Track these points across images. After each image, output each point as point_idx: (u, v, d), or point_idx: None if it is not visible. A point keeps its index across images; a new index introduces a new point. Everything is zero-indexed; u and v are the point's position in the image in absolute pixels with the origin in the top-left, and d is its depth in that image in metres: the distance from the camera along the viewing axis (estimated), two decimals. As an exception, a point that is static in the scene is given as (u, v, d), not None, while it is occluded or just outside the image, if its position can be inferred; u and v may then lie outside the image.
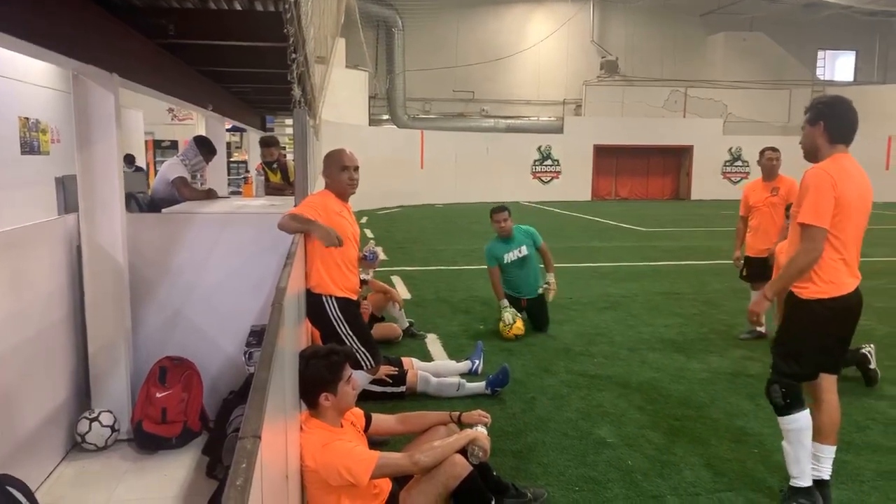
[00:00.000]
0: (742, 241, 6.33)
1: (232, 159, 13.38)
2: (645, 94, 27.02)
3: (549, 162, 25.57)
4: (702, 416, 4.34)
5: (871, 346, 5.00)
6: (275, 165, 7.52)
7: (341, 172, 3.79)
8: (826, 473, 3.22)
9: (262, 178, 7.11)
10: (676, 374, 5.19)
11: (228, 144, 12.39)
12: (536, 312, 6.36)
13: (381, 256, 6.09)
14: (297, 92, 3.84)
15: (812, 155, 3.16)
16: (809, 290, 3.06)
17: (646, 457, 3.72)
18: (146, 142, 15.22)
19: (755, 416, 4.32)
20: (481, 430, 2.87)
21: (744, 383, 4.96)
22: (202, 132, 7.10)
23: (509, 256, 6.30)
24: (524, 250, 6.31)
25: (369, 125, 23.02)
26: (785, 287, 3.14)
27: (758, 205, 6.12)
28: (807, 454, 3.13)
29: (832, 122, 3.08)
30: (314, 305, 3.65)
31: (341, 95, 18.32)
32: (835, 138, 3.08)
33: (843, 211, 3.00)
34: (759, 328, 6.06)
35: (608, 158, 26.20)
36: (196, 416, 3.79)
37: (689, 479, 3.48)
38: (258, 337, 1.50)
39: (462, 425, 2.98)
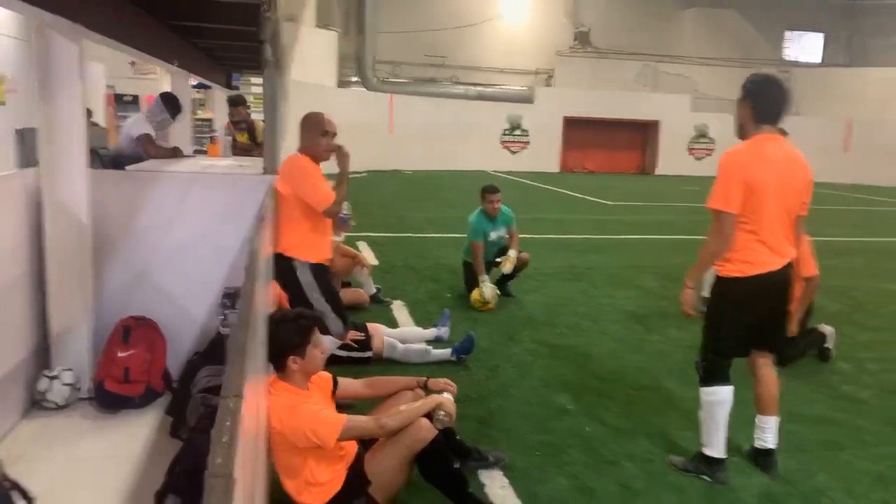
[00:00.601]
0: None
1: (196, 117, 13.08)
2: (616, 68, 27.08)
3: (518, 132, 25.55)
4: (659, 386, 4.47)
5: (831, 327, 5.17)
6: (242, 125, 7.39)
7: (321, 137, 3.77)
8: (770, 443, 3.35)
9: (230, 137, 6.99)
10: (636, 345, 5.32)
11: (193, 102, 12.09)
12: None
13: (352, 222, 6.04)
14: (268, 52, 3.77)
15: (740, 133, 3.20)
16: (726, 269, 3.16)
17: (604, 424, 3.83)
18: (106, 96, 14.77)
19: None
20: (447, 396, 2.92)
21: (700, 356, 5.10)
22: (166, 88, 6.91)
23: (494, 235, 6.39)
24: (504, 232, 6.44)
25: (338, 87, 22.65)
26: (700, 272, 3.30)
27: None
28: (717, 428, 3.24)
29: (758, 101, 3.11)
30: (285, 270, 3.64)
31: (310, 55, 17.95)
32: (760, 118, 3.11)
33: (756, 194, 3.03)
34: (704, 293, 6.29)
35: (577, 131, 26.27)
36: (159, 377, 3.76)
37: (644, 446, 3.60)
38: (231, 299, 1.50)
39: (428, 391, 3.02)
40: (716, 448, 3.25)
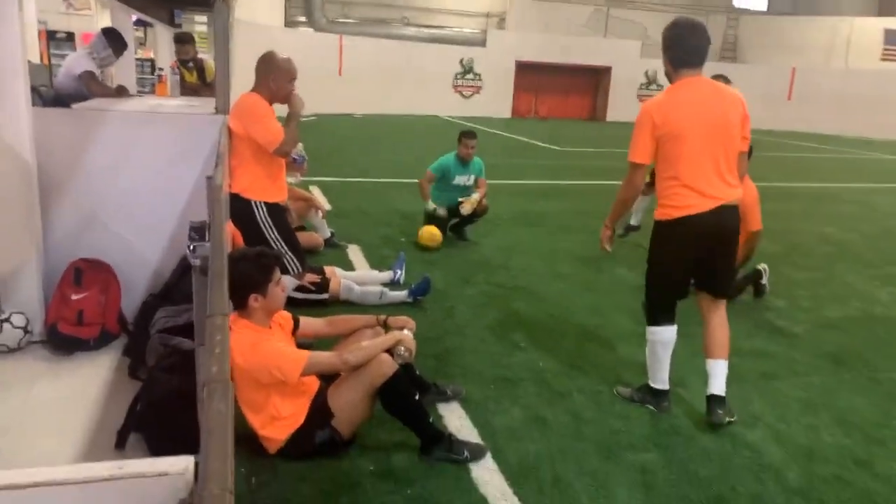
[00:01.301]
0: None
1: (136, 56, 12.54)
2: (569, 12, 26.91)
3: (470, 76, 25.30)
4: (608, 322, 4.65)
5: (765, 266, 5.42)
6: (190, 64, 7.14)
7: (289, 83, 3.74)
8: (716, 389, 3.30)
9: (178, 77, 6.75)
10: (586, 284, 5.50)
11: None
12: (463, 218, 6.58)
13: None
14: (219, -15, 3.65)
15: (670, 81, 3.23)
16: (657, 213, 3.25)
17: (556, 359, 3.99)
18: (39, 32, 14.01)
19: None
20: (407, 332, 3.00)
21: (647, 295, 5.31)
22: (103, 24, 6.62)
23: (461, 179, 6.50)
24: (471, 180, 6.53)
25: (285, 27, 21.95)
26: (614, 218, 3.52)
27: None
28: (660, 364, 3.40)
29: (672, 47, 3.14)
30: (242, 210, 3.62)
31: (255, -8, 17.33)
32: (676, 63, 3.14)
33: (673, 140, 3.08)
34: (631, 222, 6.84)
35: (529, 75, 26.16)
36: (114, 319, 3.73)
37: (594, 378, 3.77)
38: (199, 232, 1.51)
39: (388, 328, 3.09)
40: (659, 381, 3.42)
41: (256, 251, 2.75)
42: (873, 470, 3.02)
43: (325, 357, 2.76)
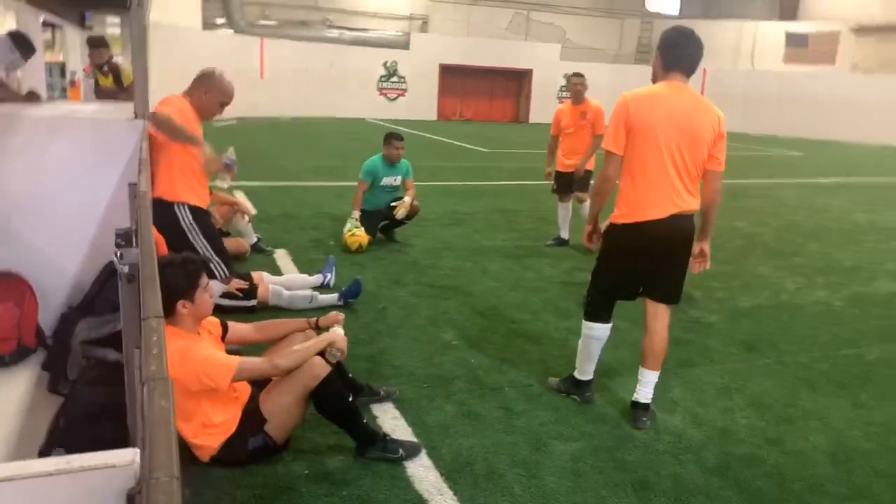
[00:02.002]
0: (553, 157, 6.96)
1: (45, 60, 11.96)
2: (490, 15, 27.32)
3: (395, 79, 25.34)
4: (536, 319, 4.78)
5: None
6: (105, 69, 6.90)
7: (218, 106, 3.72)
8: (643, 397, 3.34)
9: (92, 81, 6.52)
10: (514, 282, 5.62)
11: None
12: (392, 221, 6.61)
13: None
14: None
15: (653, 79, 3.23)
16: (615, 214, 3.21)
17: (487, 356, 4.08)
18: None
19: (581, 318, 4.82)
20: (339, 331, 3.02)
21: (572, 290, 5.48)
22: (9, 26, 6.31)
23: (388, 181, 6.52)
24: (398, 180, 6.56)
25: (203, 29, 21.40)
26: (597, 207, 3.35)
27: (568, 127, 6.69)
28: (588, 358, 3.47)
29: (663, 50, 3.17)
30: (165, 214, 3.55)
31: (171, -6, 16.82)
32: (666, 65, 3.15)
33: (640, 135, 3.03)
34: (562, 235, 6.98)
35: (453, 78, 26.41)
36: (31, 333, 3.58)
37: (523, 372, 3.88)
38: (125, 238, 1.49)
39: (320, 331, 3.09)
40: (585, 373, 3.52)
41: (182, 257, 2.71)
42: (783, 447, 3.23)
43: (256, 362, 2.74)
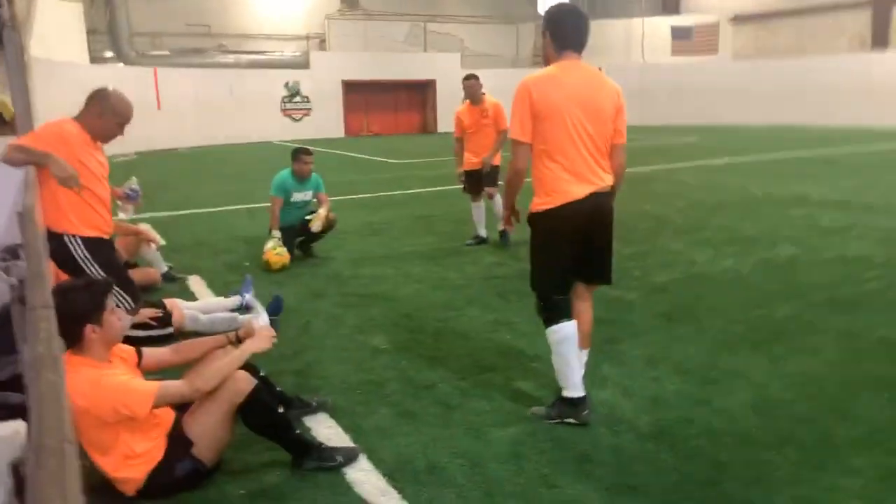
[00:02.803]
0: (461, 159, 7.04)
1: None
2: (387, 29, 27.41)
3: (298, 99, 25.01)
4: (462, 315, 4.78)
5: None
6: (-20, 103, 6.46)
7: (117, 126, 3.50)
8: None
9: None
10: (437, 283, 5.61)
11: None
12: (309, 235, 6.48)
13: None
14: (6, 9, 3.36)
15: (545, 63, 3.16)
16: (535, 202, 3.11)
17: (417, 355, 4.04)
18: None
19: (505, 309, 4.88)
20: (254, 324, 2.92)
21: (494, 284, 5.53)
22: None
23: (298, 196, 6.37)
24: (310, 195, 6.46)
25: (91, 63, 20.48)
26: (510, 198, 3.25)
27: (471, 127, 6.80)
28: (568, 366, 3.15)
29: (553, 29, 3.10)
30: (57, 247, 3.31)
31: (52, 30, 16.00)
32: (558, 45, 3.09)
33: (548, 118, 2.96)
34: (480, 233, 7.03)
35: (357, 94, 26.33)
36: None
37: (454, 367, 3.86)
38: (10, 252, 1.37)
39: (240, 343, 2.95)
40: (573, 387, 3.16)
41: (85, 280, 2.56)
42: (712, 407, 3.34)
43: (175, 386, 2.60)
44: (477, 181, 6.89)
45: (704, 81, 27.05)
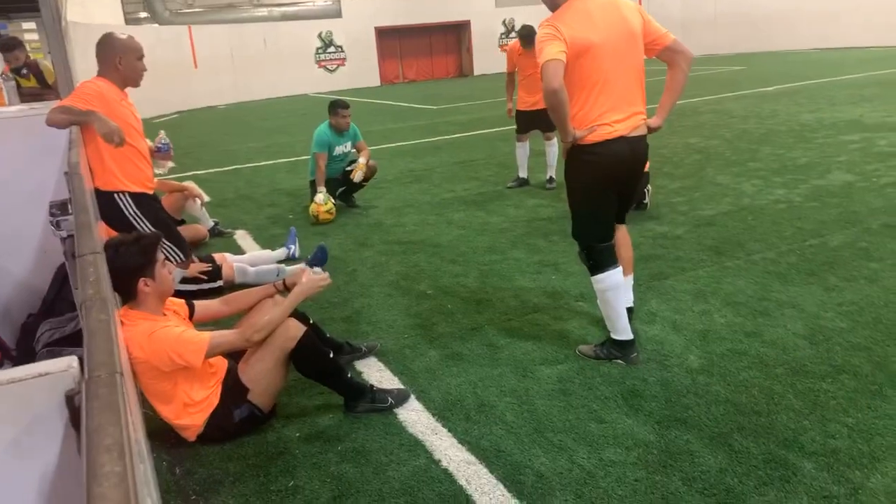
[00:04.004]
0: (511, 94, 6.86)
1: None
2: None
3: (332, 49, 24.80)
4: (506, 258, 4.77)
5: (649, 186, 5.70)
6: (24, 70, 6.59)
7: (139, 61, 3.50)
8: (629, 301, 3.35)
9: (12, 83, 6.22)
10: (480, 228, 5.60)
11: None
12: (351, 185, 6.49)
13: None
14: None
15: (552, 6, 2.98)
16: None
17: (462, 299, 4.06)
18: None
19: (550, 250, 4.84)
20: (311, 272, 2.97)
21: (538, 226, 5.49)
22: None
23: (340, 150, 6.38)
24: (349, 146, 6.44)
25: (126, 24, 20.62)
26: (562, 123, 2.88)
27: (526, 68, 6.56)
28: (615, 311, 3.12)
29: None
30: (106, 205, 3.40)
31: (86, -7, 16.15)
32: None
33: (586, 54, 2.81)
34: (521, 174, 6.97)
35: (391, 40, 25.96)
36: (-6, 347, 3.47)
37: (501, 309, 3.87)
38: (61, 208, 1.41)
39: (287, 291, 3.00)
40: (621, 331, 3.14)
41: (134, 235, 2.61)
42: (762, 338, 3.28)
43: (228, 336, 2.67)
44: (528, 121, 6.72)
45: (750, 6, 25.78)
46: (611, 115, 2.91)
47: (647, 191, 5.67)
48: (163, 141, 4.04)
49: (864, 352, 3.07)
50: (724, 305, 3.69)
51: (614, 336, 3.17)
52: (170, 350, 2.51)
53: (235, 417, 2.69)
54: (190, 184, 5.84)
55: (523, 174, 6.97)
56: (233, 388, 2.71)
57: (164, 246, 3.49)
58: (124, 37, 3.54)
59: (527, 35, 6.40)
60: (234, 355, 2.84)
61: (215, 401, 2.68)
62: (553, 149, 6.64)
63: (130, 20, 21.40)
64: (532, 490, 2.32)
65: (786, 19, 24.84)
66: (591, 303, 3.80)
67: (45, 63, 6.47)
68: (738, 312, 3.59)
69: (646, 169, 3.32)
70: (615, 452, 2.49)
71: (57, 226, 1.40)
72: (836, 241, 4.55)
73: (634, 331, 3.25)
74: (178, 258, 3.67)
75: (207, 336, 2.60)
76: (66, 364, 0.69)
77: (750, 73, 17.91)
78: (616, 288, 3.11)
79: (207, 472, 2.55)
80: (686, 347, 3.25)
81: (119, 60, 3.46)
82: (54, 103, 4.32)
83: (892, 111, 9.61)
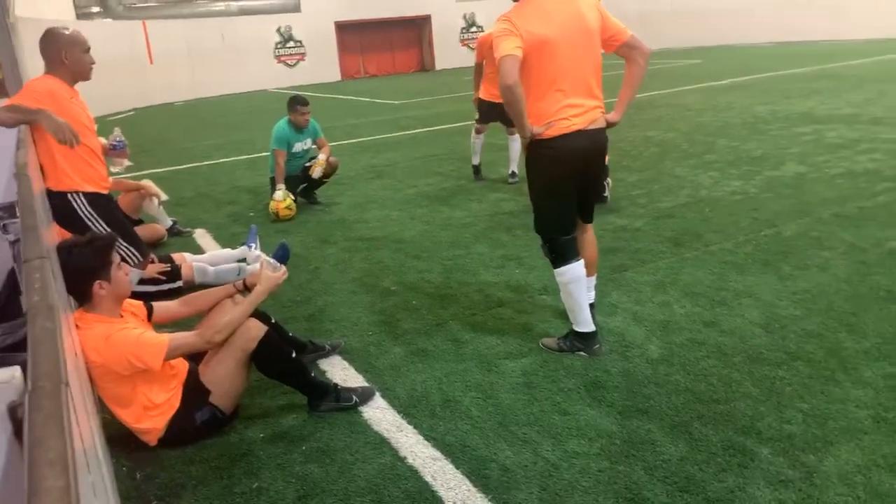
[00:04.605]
0: (478, 84, 6.83)
1: None
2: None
3: (291, 44, 24.50)
4: (469, 253, 4.78)
5: (609, 179, 5.75)
6: (-32, 68, 6.35)
7: (84, 54, 3.39)
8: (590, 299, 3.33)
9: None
10: (443, 223, 5.60)
11: None
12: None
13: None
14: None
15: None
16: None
17: (426, 295, 4.06)
18: None
19: (513, 244, 4.87)
20: (270, 266, 2.94)
21: (501, 220, 5.51)
22: None
23: (299, 147, 6.29)
24: (309, 143, 6.36)
25: (77, 19, 20.06)
26: (519, 119, 2.90)
27: (491, 59, 6.54)
28: (577, 303, 3.14)
29: None
30: (60, 206, 3.31)
31: (34, -14, 15.63)
32: None
33: (542, 48, 2.84)
34: (474, 161, 7.13)
35: (351, 35, 25.76)
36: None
37: (465, 304, 3.88)
38: (7, 210, 1.36)
39: (248, 291, 2.97)
40: (583, 323, 3.17)
41: (88, 237, 2.54)
42: (720, 327, 3.35)
43: (188, 338, 2.62)
44: (492, 113, 6.66)
45: (705, 1, 26.23)
46: (568, 111, 2.94)
47: (607, 184, 5.73)
48: (118, 139, 3.94)
49: (817, 338, 3.16)
50: (683, 296, 3.76)
51: (577, 328, 3.21)
52: (128, 353, 2.46)
53: (197, 420, 2.65)
54: (147, 182, 5.71)
55: (476, 161, 7.08)
56: (194, 391, 2.67)
57: (121, 247, 3.41)
58: (68, 31, 3.43)
59: None
60: (195, 357, 2.80)
61: (176, 403, 2.64)
62: (516, 143, 6.66)
63: (82, 15, 20.81)
64: (498, 484, 2.33)
65: (741, 13, 25.36)
66: (553, 296, 3.83)
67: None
68: (697, 303, 3.66)
69: (605, 162, 3.35)
70: (579, 444, 2.52)
71: (4, 229, 1.36)
72: (789, 230, 4.67)
73: (596, 323, 3.28)
74: (135, 259, 3.59)
75: (167, 338, 2.56)
76: (9, 375, 0.67)
77: (706, 66, 18.25)
78: (578, 280, 3.14)
79: (169, 476, 2.51)
80: (647, 338, 3.31)
81: (64, 55, 3.35)
82: (1, 102, 4.18)
83: (841, 104, 9.89)
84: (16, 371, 0.68)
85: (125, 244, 3.51)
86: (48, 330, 0.65)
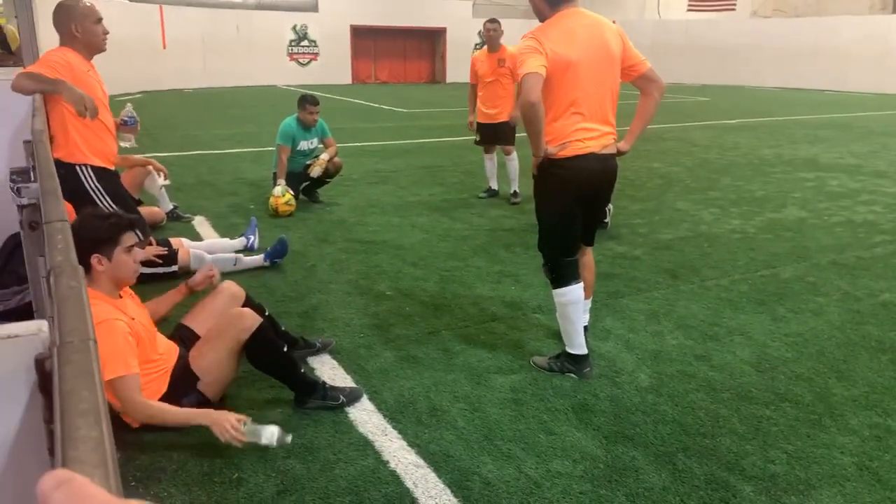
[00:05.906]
0: (474, 107, 6.83)
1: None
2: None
3: (305, 43, 24.61)
4: (467, 265, 4.78)
5: (610, 206, 5.76)
6: (-16, 34, 6.35)
7: (96, 25, 3.38)
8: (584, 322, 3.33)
9: (-29, 47, 5.98)
10: (443, 234, 5.61)
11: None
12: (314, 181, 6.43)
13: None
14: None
15: (539, 17, 3.02)
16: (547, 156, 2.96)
17: (421, 303, 4.06)
18: None
19: (511, 261, 4.88)
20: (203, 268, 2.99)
21: (500, 237, 5.52)
22: None
23: (305, 145, 6.29)
24: (316, 143, 6.36)
25: (96, -2, 20.07)
26: (535, 139, 2.93)
27: (487, 76, 6.59)
28: (573, 326, 3.15)
29: None
30: (67, 177, 3.29)
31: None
32: (551, 2, 2.96)
33: (566, 68, 2.86)
34: (492, 186, 6.96)
35: (366, 40, 25.89)
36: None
37: (459, 315, 3.88)
38: (22, 175, 1.36)
39: (192, 294, 3.07)
40: (577, 346, 3.18)
41: (111, 212, 2.54)
42: (711, 362, 3.36)
43: (134, 393, 2.42)
44: (490, 135, 6.73)
45: (718, 40, 26.50)
46: (583, 133, 2.97)
47: (609, 210, 5.75)
48: (129, 114, 3.94)
49: (806, 382, 3.17)
50: (676, 328, 3.77)
51: (570, 350, 3.21)
52: (101, 348, 2.41)
53: (183, 405, 2.63)
54: (151, 160, 5.69)
55: (493, 185, 6.99)
56: (182, 376, 2.65)
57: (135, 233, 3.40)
58: (77, 2, 3.44)
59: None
60: (186, 343, 2.79)
61: (163, 388, 2.62)
62: (513, 164, 6.67)
63: (100, -7, 20.81)
64: (479, 497, 2.32)
65: (751, 55, 25.62)
66: (548, 315, 3.84)
67: (10, 28, 6.25)
68: (690, 335, 3.67)
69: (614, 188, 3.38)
70: (562, 464, 2.51)
71: (18, 192, 1.35)
72: (786, 273, 4.69)
73: (588, 346, 3.29)
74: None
75: (124, 372, 2.39)
76: (37, 327, 0.67)
77: (715, 104, 18.40)
78: (576, 303, 3.15)
79: (150, 459, 2.49)
80: (637, 366, 3.31)
81: (75, 27, 3.36)
82: (16, 70, 4.18)
83: (844, 153, 9.99)
84: (43, 325, 0.68)
85: (126, 223, 3.49)
86: (74, 288, 0.65)
